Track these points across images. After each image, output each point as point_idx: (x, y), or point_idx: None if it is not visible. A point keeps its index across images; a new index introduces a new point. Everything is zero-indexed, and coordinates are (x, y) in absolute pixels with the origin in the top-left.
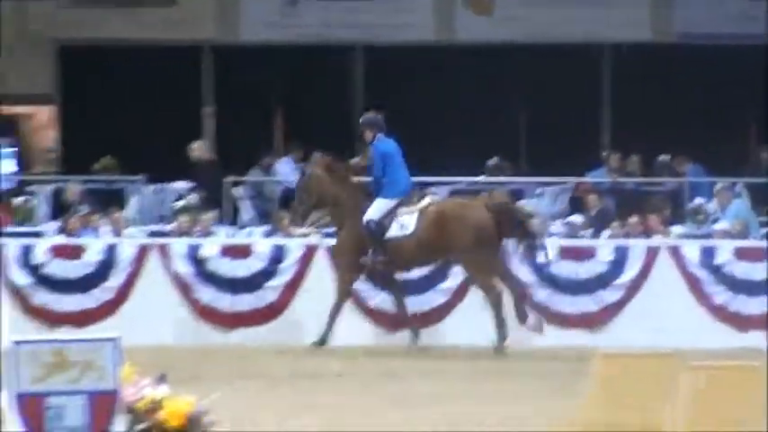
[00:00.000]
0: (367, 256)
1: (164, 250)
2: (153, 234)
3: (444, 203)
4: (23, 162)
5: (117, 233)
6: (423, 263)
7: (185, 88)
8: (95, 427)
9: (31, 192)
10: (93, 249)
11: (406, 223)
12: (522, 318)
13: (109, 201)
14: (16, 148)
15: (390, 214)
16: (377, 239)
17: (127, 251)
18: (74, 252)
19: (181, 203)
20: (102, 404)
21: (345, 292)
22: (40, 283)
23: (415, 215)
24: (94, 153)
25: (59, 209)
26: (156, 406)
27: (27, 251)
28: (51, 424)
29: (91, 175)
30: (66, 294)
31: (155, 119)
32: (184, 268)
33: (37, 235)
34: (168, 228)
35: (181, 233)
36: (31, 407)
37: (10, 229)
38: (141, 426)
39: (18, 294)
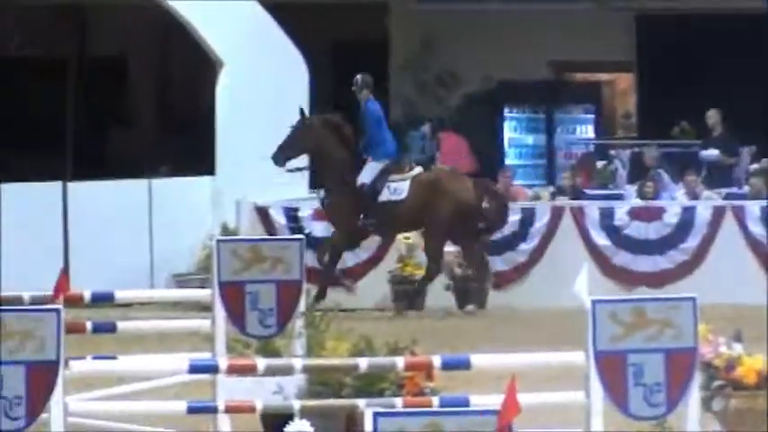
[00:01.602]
0: (358, 219)
1: (738, 213)
2: (728, 197)
3: (435, 173)
4: (604, 127)
5: (693, 196)
6: (409, 228)
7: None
8: (672, 384)
9: (611, 156)
10: (671, 212)
11: (399, 188)
12: (463, 302)
13: (684, 165)
14: (595, 115)
15: (382, 177)
16: (370, 203)
17: (703, 214)
18: (651, 214)
19: (755, 167)
20: (680, 362)
21: (340, 251)
22: (620, 244)
23: (407, 182)
24: (671, 119)
25: (637, 172)
26: (732, 363)
27: (607, 213)
28: (633, 381)
29: (668, 140)
30: (644, 255)
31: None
32: (758, 229)
33: (617, 197)
34: (742, 191)
35: (753, 196)
36: (612, 365)
37: (590, 191)
38: (718, 382)
39: (598, 255)
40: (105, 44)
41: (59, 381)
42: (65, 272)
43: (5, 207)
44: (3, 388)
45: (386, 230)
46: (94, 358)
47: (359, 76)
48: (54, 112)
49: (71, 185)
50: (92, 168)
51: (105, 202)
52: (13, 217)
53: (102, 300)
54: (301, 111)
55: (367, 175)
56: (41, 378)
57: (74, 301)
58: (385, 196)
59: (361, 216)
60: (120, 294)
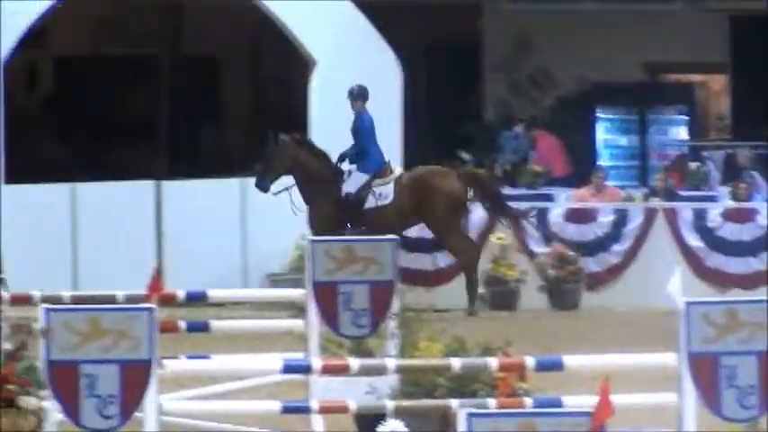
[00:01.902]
0: (345, 228)
1: None
2: None
3: (418, 171)
4: (697, 129)
5: None
6: (400, 229)
7: None
8: (766, 386)
9: (704, 157)
10: (764, 213)
11: (384, 192)
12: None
13: None
14: (688, 116)
15: (366, 186)
16: (356, 211)
17: None
18: (744, 216)
19: None
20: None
21: None
22: (713, 246)
23: (391, 185)
24: (764, 120)
25: (731, 174)
26: None
27: (700, 215)
28: (726, 382)
29: (761, 141)
30: (737, 257)
31: None
32: None
33: (710, 199)
34: None
35: None
36: (704, 366)
37: (684, 192)
38: None
39: (692, 257)
40: (199, 43)
41: (153, 380)
42: (158, 271)
43: (100, 205)
44: (97, 387)
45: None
46: (188, 357)
47: (355, 86)
48: (148, 110)
49: (165, 184)
50: (185, 167)
51: (199, 201)
52: (107, 215)
53: (196, 299)
54: (274, 133)
55: (352, 184)
56: (135, 377)
57: (167, 301)
58: (371, 203)
59: (348, 225)
60: (214, 294)
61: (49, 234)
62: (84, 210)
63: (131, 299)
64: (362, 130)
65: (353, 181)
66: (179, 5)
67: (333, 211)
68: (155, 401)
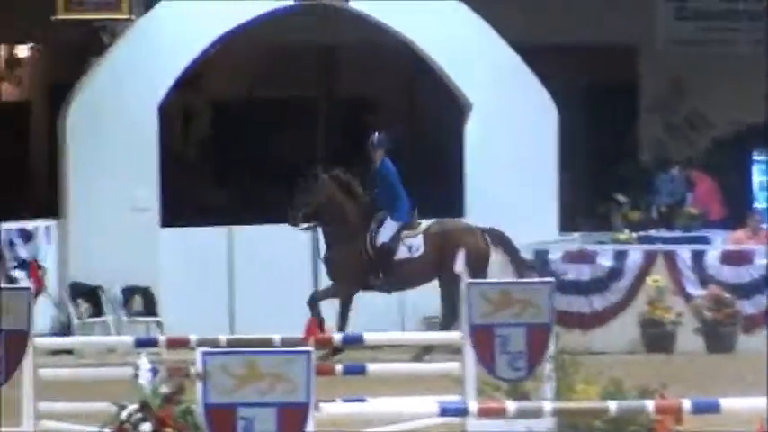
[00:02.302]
0: (375, 277)
1: None
2: None
3: (446, 226)
4: None
5: None
6: (422, 282)
7: None
8: None
9: None
10: None
11: (414, 245)
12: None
13: None
14: None
15: (397, 236)
16: (388, 261)
17: None
18: None
19: None
20: None
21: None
22: None
23: (420, 236)
24: None
25: None
26: None
27: None
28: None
29: None
30: None
31: None
32: None
33: None
34: None
35: None
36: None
37: None
38: None
39: None
40: (353, 85)
41: (310, 423)
42: (314, 315)
43: (256, 248)
44: (254, 430)
45: (401, 288)
46: (344, 401)
47: (375, 135)
48: (304, 153)
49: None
50: None
51: None
52: (264, 257)
53: (352, 342)
54: (311, 166)
55: (386, 234)
56: (292, 420)
57: (324, 344)
58: (403, 254)
59: (380, 275)
60: (370, 337)
61: (205, 277)
62: (241, 252)
63: (287, 342)
64: (385, 179)
65: (387, 230)
66: (333, 48)
67: (357, 257)
68: None
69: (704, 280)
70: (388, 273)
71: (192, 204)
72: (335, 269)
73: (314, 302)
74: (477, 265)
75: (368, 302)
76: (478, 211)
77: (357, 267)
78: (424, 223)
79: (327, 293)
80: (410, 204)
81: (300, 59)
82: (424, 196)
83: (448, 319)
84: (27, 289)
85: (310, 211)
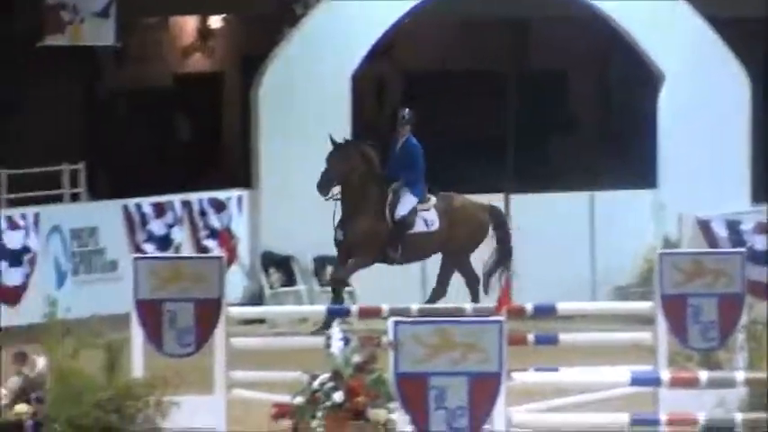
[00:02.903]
0: (394, 250)
1: None
2: None
3: (455, 201)
4: None
5: None
6: (432, 255)
7: None
8: None
9: None
10: None
11: (430, 219)
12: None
13: None
14: None
15: (414, 211)
16: (405, 235)
17: None
18: None
19: None
20: None
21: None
22: None
23: (433, 211)
24: None
25: None
26: None
27: None
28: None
29: None
30: None
31: None
32: None
33: None
34: None
35: None
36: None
37: None
38: None
39: None
40: (546, 58)
41: (502, 392)
42: (507, 284)
43: None
44: (446, 399)
45: (415, 261)
46: (536, 370)
47: (405, 110)
48: (496, 125)
49: (513, 198)
50: (533, 181)
51: (547, 215)
52: None
53: (545, 312)
54: (330, 137)
55: (404, 208)
56: (484, 389)
57: (516, 314)
58: (420, 227)
59: (398, 248)
60: (563, 306)
61: None
62: None
63: (480, 312)
64: (410, 155)
65: (405, 205)
66: (526, 20)
67: (379, 229)
68: (503, 413)
69: None
70: (406, 246)
71: None
72: (358, 242)
73: (339, 282)
74: (478, 242)
75: (559, 272)
76: (671, 181)
77: (380, 241)
78: (433, 198)
79: (352, 269)
80: (425, 183)
81: (492, 33)
82: (617, 167)
83: (437, 293)
84: (219, 258)
85: (338, 180)
